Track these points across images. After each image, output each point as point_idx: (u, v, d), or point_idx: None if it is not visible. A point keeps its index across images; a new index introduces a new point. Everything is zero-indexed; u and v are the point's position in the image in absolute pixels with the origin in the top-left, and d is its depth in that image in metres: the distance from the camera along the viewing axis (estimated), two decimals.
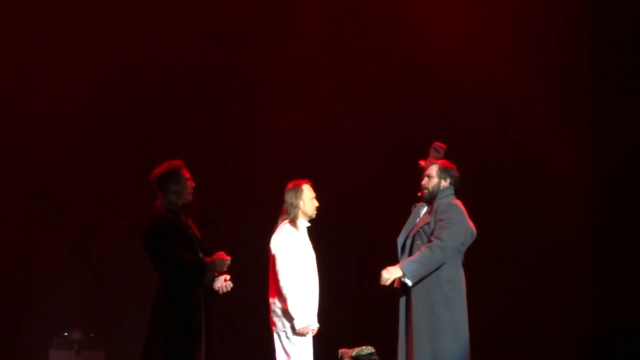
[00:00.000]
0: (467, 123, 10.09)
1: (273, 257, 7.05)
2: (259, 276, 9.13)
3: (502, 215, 9.80)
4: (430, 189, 6.81)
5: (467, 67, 10.11)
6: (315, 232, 10.17)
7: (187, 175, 6.71)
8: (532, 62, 9.82)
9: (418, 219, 6.83)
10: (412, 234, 6.75)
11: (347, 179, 10.28)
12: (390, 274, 6.52)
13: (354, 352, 6.83)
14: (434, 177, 6.81)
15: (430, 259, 6.53)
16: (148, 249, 6.51)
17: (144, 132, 10.23)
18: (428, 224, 6.68)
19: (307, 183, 7.16)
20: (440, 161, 6.86)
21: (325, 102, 10.48)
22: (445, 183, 6.80)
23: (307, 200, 7.13)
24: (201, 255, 6.66)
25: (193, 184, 6.73)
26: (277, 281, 6.99)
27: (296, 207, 7.12)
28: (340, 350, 6.97)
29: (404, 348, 6.57)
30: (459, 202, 6.76)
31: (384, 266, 10.01)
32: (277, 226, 7.18)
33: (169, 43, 10.54)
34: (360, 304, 9.84)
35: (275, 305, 6.98)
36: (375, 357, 6.77)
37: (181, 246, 6.52)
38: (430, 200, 6.80)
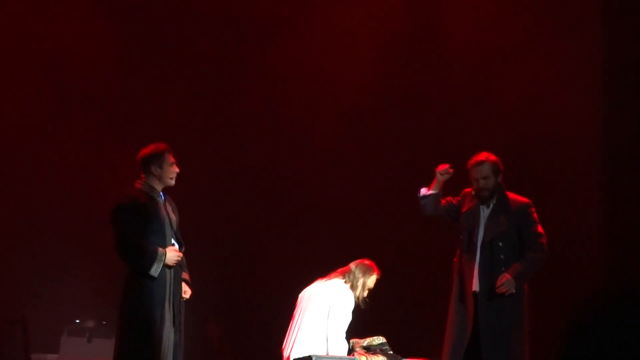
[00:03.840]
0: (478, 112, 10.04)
1: (331, 316, 6.86)
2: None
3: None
4: (491, 189, 6.76)
5: (480, 55, 10.04)
6: (332, 222, 10.36)
7: (172, 160, 6.63)
8: (546, 48, 9.73)
9: (483, 218, 6.77)
10: (492, 237, 6.69)
11: (356, 174, 10.25)
12: (512, 286, 6.55)
13: (366, 342, 6.71)
14: (490, 176, 6.75)
15: (537, 269, 6.73)
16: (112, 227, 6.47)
17: (152, 117, 10.21)
18: (510, 226, 6.69)
19: (378, 274, 7.03)
20: (486, 156, 6.81)
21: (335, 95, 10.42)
22: (499, 179, 6.79)
23: (367, 288, 6.99)
24: (174, 242, 6.62)
25: (177, 170, 6.63)
26: (331, 342, 6.81)
27: (360, 284, 6.97)
28: (351, 340, 6.84)
29: (492, 347, 6.54)
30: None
31: (392, 259, 9.93)
32: (331, 277, 7.03)
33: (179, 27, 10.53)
34: (372, 296, 9.78)
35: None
36: (387, 347, 6.63)
37: (142, 231, 6.47)
38: (489, 199, 6.77)
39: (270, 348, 9.43)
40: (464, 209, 6.88)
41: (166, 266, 6.53)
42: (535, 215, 6.78)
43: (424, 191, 6.96)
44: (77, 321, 9.84)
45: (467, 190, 6.97)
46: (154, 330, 6.45)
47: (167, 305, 6.53)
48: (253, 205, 10.67)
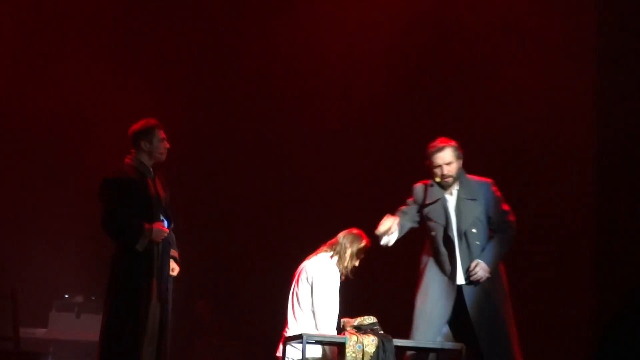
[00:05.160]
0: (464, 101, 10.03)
1: (313, 291, 6.80)
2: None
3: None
4: (455, 175, 6.61)
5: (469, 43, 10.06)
6: (325, 200, 10.42)
7: (163, 135, 6.67)
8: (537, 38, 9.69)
9: (451, 208, 6.61)
10: (466, 226, 6.55)
11: (352, 153, 10.42)
12: (486, 271, 6.42)
13: (356, 321, 6.63)
14: (453, 161, 6.59)
15: (509, 248, 6.60)
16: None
17: (146, 94, 10.16)
18: (479, 210, 6.55)
19: (367, 242, 6.87)
20: (446, 141, 6.66)
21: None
22: (460, 162, 6.64)
23: (355, 256, 6.89)
24: (163, 218, 6.63)
25: (167, 145, 6.65)
26: (318, 318, 6.77)
27: (347, 254, 6.86)
28: (342, 320, 6.78)
29: (486, 338, 6.46)
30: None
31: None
32: (319, 252, 6.95)
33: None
34: (363, 277, 9.81)
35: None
36: (377, 327, 6.57)
37: (129, 205, 6.48)
38: (452, 185, 6.62)
39: (259, 325, 9.52)
40: (427, 203, 6.69)
41: (153, 242, 6.54)
42: (499, 193, 6.66)
43: (384, 241, 6.73)
44: (66, 296, 9.93)
45: (419, 184, 6.81)
46: (140, 305, 6.47)
47: (154, 280, 6.55)
48: (245, 183, 10.70)
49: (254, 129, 10.71)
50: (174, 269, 6.78)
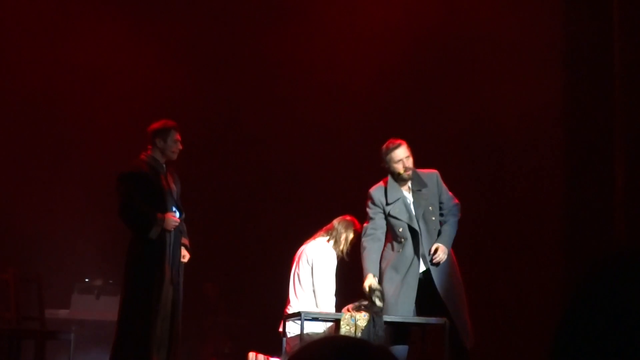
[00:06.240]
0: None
1: (314, 272, 7.12)
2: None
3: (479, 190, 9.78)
4: (413, 165, 6.87)
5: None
6: (325, 185, 10.42)
7: (178, 137, 6.87)
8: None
9: (410, 202, 6.83)
10: (426, 215, 6.80)
11: (346, 162, 10.44)
12: (445, 253, 6.68)
13: (354, 305, 6.86)
14: (410, 155, 6.81)
15: (457, 229, 6.87)
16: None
17: (156, 93, 10.31)
18: (433, 198, 6.83)
19: (359, 228, 7.11)
20: (397, 139, 6.86)
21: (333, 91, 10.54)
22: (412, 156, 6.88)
23: (349, 241, 7.18)
24: (175, 210, 6.89)
25: (181, 147, 6.88)
26: (318, 296, 7.09)
27: (342, 239, 7.16)
28: (348, 305, 6.99)
29: (456, 312, 6.71)
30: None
31: None
32: (316, 236, 7.26)
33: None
34: (357, 259, 9.93)
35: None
36: (370, 305, 6.77)
37: (143, 197, 6.72)
38: (409, 179, 6.86)
39: (262, 304, 9.60)
40: (389, 203, 6.80)
41: (165, 230, 6.81)
42: (444, 181, 6.94)
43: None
44: (87, 280, 10.06)
45: (375, 188, 6.92)
46: (154, 288, 6.74)
47: (166, 265, 6.81)
48: (249, 177, 10.74)
49: (259, 126, 10.69)
50: (185, 255, 7.05)
